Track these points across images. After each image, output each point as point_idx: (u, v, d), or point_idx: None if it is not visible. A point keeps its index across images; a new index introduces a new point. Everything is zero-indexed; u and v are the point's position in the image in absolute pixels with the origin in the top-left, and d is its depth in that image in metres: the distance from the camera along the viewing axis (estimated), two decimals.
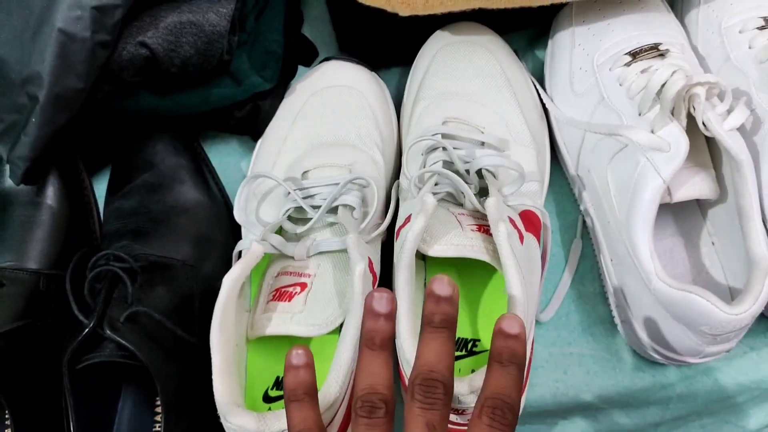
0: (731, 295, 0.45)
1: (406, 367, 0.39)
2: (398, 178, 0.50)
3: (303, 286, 0.44)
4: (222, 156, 0.55)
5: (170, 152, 0.51)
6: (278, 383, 0.45)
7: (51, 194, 0.49)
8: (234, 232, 0.52)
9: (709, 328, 0.40)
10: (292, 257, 0.45)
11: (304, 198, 0.45)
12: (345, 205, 0.45)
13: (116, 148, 0.53)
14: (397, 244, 0.43)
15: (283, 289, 0.44)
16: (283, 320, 0.43)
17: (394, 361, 0.42)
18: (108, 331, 0.40)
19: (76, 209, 0.50)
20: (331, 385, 0.38)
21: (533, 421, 0.50)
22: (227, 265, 0.49)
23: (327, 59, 0.54)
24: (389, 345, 0.33)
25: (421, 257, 0.47)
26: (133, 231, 0.47)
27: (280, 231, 0.46)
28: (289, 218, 0.46)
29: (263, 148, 0.52)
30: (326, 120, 0.51)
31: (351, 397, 0.41)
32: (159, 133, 0.51)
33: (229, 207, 0.53)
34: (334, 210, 0.45)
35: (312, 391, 0.34)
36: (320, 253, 0.45)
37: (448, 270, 0.47)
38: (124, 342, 0.40)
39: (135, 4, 0.43)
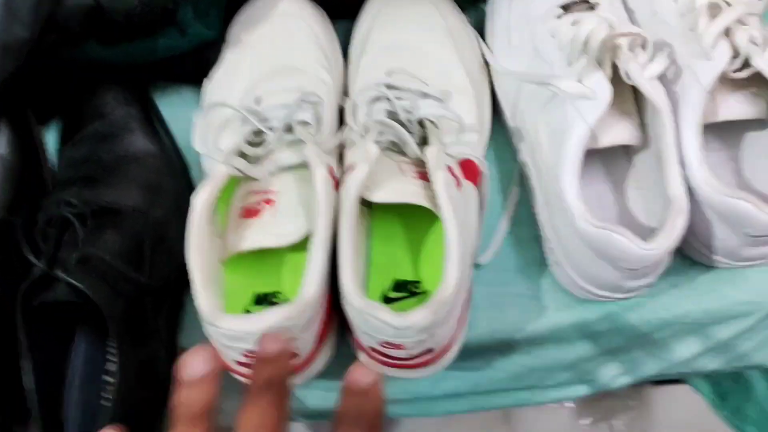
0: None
1: (348, 308, 0.41)
2: (347, 96, 0.52)
3: (269, 202, 0.47)
4: (173, 107, 0.56)
5: (120, 102, 0.52)
6: (258, 300, 0.47)
7: (2, 144, 0.50)
8: (184, 182, 0.53)
9: (627, 264, 0.43)
10: (256, 179, 0.47)
11: (260, 121, 0.47)
12: (300, 122, 0.47)
13: (67, 98, 0.54)
14: (341, 190, 0.45)
15: (251, 207, 0.47)
16: (255, 234, 0.45)
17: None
18: (60, 273, 0.42)
19: (28, 158, 0.51)
20: (310, 284, 0.41)
21: (472, 358, 0.52)
22: (178, 213, 0.50)
23: None
24: (206, 416, 0.31)
25: (366, 204, 0.49)
26: (84, 178, 0.48)
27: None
28: (248, 144, 0.48)
29: (213, 84, 0.53)
30: (271, 48, 0.53)
31: (330, 298, 0.44)
32: (109, 83, 0.52)
33: (180, 157, 0.54)
34: (290, 130, 0.47)
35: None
36: (283, 171, 0.47)
37: (391, 215, 0.50)
38: (75, 282, 0.42)
39: None
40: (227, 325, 0.39)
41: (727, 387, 0.67)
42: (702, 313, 0.51)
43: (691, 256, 0.50)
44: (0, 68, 0.44)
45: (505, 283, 0.52)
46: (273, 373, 0.32)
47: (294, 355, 0.38)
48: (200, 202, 0.42)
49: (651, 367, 0.54)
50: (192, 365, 0.32)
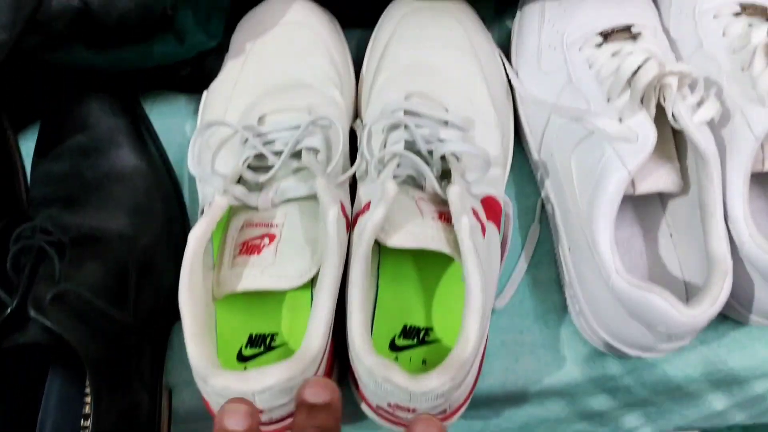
0: (686, 290, 0.44)
1: (356, 364, 0.37)
2: (358, 118, 0.48)
3: (272, 237, 0.42)
4: (165, 118, 0.51)
5: (107, 112, 0.47)
6: (252, 341, 0.43)
7: None
8: (175, 204, 0.48)
9: (665, 328, 0.39)
10: (256, 208, 0.43)
11: (264, 144, 0.42)
12: (309, 148, 0.42)
13: (47, 104, 0.48)
14: (355, 232, 0.41)
15: (250, 242, 0.42)
16: (254, 275, 0.41)
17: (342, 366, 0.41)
18: (32, 312, 0.37)
19: (0, 170, 0.46)
20: (313, 338, 0.36)
21: (482, 409, 0.49)
22: (168, 237, 0.46)
23: None
24: None
25: (375, 242, 0.45)
26: (64, 198, 0.43)
27: (240, 182, 0.43)
28: (249, 168, 0.43)
29: (212, 97, 0.48)
30: (278, 60, 0.48)
31: (332, 348, 0.40)
32: (95, 91, 0.47)
33: (171, 174, 0.49)
34: (296, 155, 0.43)
35: None
36: (286, 201, 0.43)
37: (401, 254, 0.45)
38: (49, 324, 0.37)
39: None
40: (222, 383, 0.35)
41: None
42: (730, 371, 0.48)
43: (724, 311, 0.47)
44: None
45: (521, 330, 0.48)
46: (324, 425, 0.27)
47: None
48: (195, 239, 0.38)
49: (670, 422, 0.51)
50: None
